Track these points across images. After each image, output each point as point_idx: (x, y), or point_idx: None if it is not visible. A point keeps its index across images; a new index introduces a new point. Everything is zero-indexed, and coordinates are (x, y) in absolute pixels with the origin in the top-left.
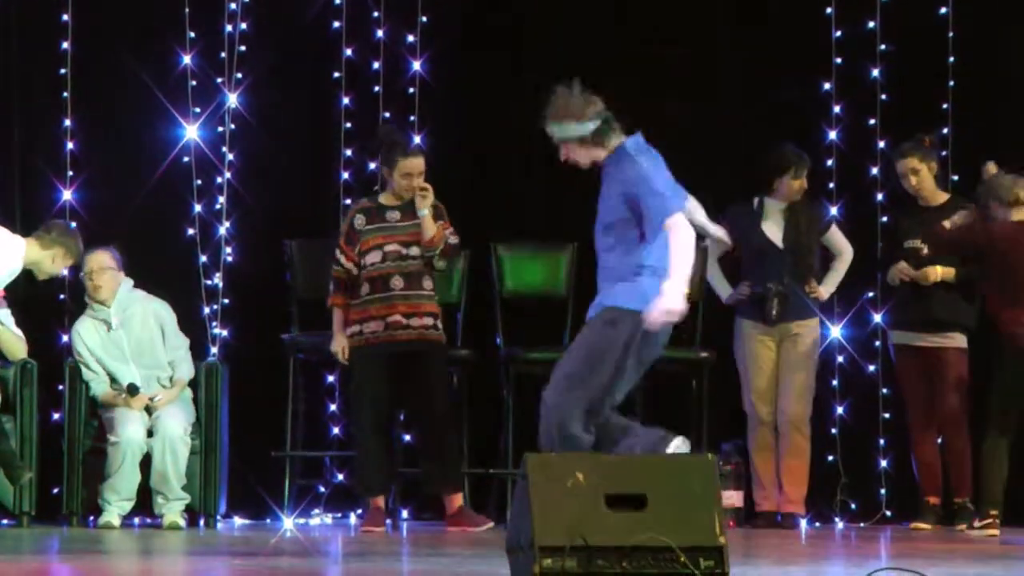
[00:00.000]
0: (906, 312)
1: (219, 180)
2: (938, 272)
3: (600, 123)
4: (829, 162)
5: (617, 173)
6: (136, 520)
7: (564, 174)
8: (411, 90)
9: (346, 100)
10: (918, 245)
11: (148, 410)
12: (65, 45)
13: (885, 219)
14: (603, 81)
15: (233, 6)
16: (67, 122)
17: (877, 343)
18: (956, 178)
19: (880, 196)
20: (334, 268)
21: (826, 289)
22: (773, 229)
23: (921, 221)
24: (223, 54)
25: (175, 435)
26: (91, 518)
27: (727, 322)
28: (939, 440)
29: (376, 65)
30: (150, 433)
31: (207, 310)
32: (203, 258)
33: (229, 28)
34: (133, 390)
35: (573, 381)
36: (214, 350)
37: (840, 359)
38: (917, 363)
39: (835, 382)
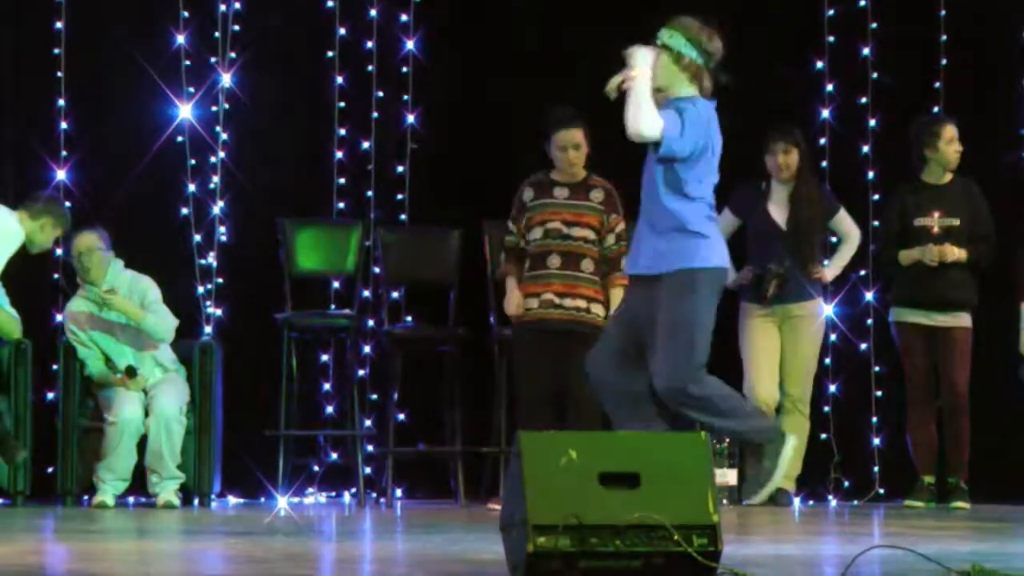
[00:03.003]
0: (914, 290)
1: (213, 160)
2: (956, 251)
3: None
4: (822, 140)
5: None
6: (131, 499)
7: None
8: (404, 69)
9: (340, 79)
10: (929, 223)
11: (143, 389)
12: (58, 25)
13: (877, 197)
14: (597, 60)
15: None
16: (60, 102)
17: (869, 321)
18: None
19: (871, 174)
20: (506, 238)
21: (831, 271)
22: (778, 211)
23: (928, 199)
24: (217, 33)
25: (170, 414)
26: (85, 497)
27: (725, 302)
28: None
29: (369, 44)
30: (146, 413)
31: (201, 289)
32: (197, 238)
33: (223, 7)
34: (132, 372)
35: None
36: (208, 329)
37: (833, 337)
38: (923, 341)
39: (828, 360)
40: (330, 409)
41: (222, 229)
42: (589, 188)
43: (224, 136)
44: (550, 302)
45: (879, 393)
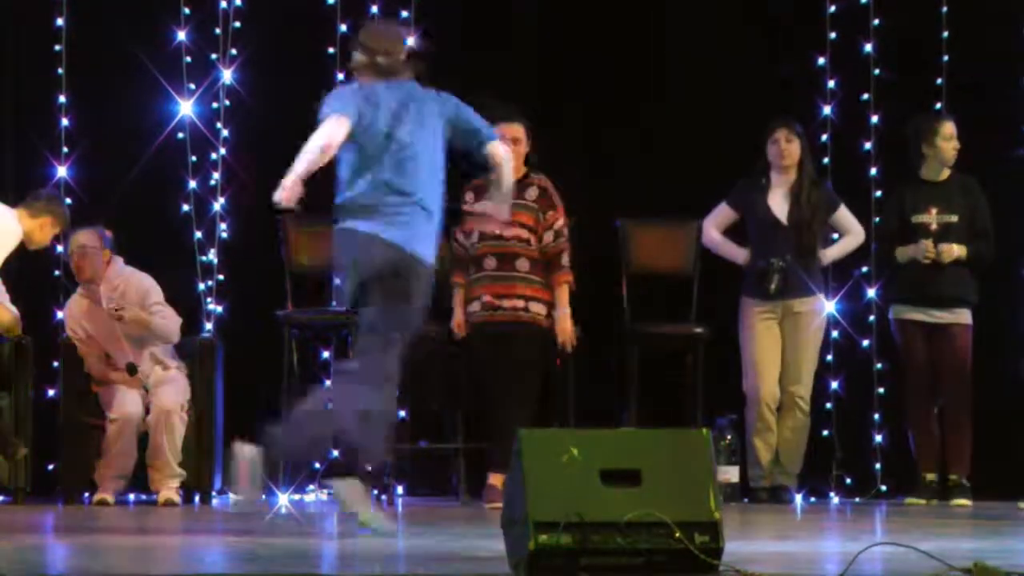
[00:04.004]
0: (913, 287)
1: (214, 156)
2: (954, 250)
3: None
4: (823, 137)
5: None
6: (131, 496)
7: (559, 150)
8: None
9: (340, 76)
10: (927, 220)
11: (144, 387)
12: (59, 22)
13: (879, 194)
14: (602, 56)
15: None
16: (61, 98)
17: (871, 318)
18: None
19: (874, 171)
20: (454, 245)
21: (829, 254)
22: (779, 205)
23: (926, 196)
24: (218, 30)
25: (172, 411)
26: (86, 495)
27: (722, 298)
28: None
29: None
30: (147, 410)
31: (202, 286)
32: (198, 234)
33: (224, 4)
34: (132, 370)
35: None
36: (209, 326)
37: (835, 334)
38: (923, 338)
39: (830, 357)
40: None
41: (223, 226)
42: (525, 187)
43: (225, 133)
44: (490, 304)
45: (881, 390)
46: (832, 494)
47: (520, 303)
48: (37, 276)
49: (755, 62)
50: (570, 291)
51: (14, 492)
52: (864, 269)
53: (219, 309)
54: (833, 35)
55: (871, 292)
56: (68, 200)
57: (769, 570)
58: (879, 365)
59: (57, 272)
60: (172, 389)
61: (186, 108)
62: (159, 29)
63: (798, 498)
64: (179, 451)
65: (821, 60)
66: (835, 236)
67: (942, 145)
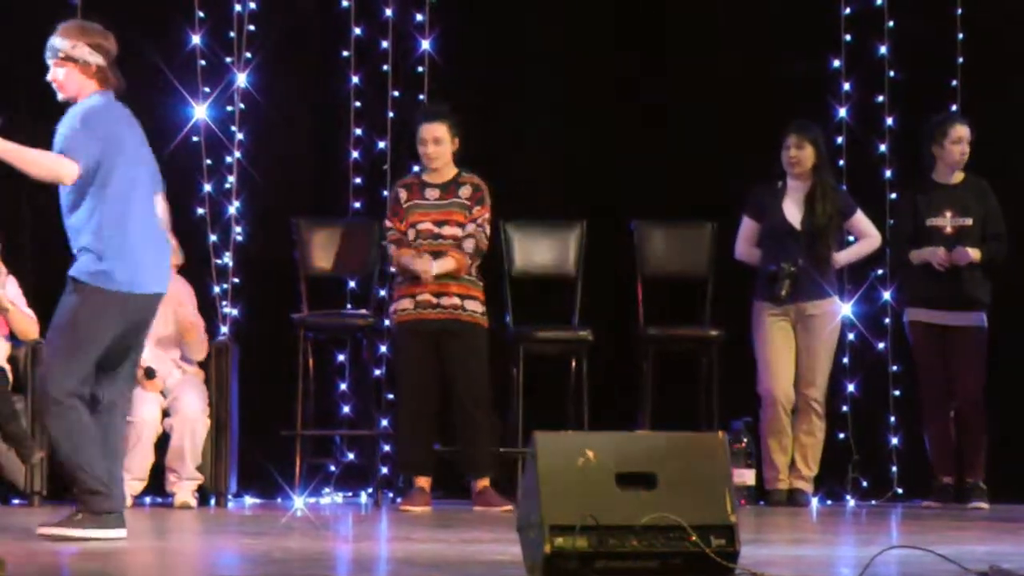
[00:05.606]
0: (927, 289)
1: (228, 159)
2: (970, 255)
3: (101, 60)
4: (839, 139)
5: None
6: (147, 499)
7: (574, 152)
8: (420, 69)
9: (355, 79)
10: (941, 223)
11: (162, 391)
12: None
13: (894, 196)
14: (608, 58)
15: None
16: None
17: (886, 320)
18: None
19: (888, 173)
20: (388, 234)
21: (843, 257)
22: (793, 210)
23: (940, 199)
24: (232, 33)
25: (195, 415)
26: None
27: (736, 301)
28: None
29: (385, 44)
30: (165, 413)
31: (217, 289)
32: (213, 237)
33: (238, 7)
34: (150, 373)
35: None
36: (224, 329)
37: (850, 336)
38: (936, 340)
39: (845, 360)
40: (346, 409)
41: (238, 229)
42: (459, 185)
43: (240, 136)
44: (427, 302)
45: (897, 392)
46: (848, 497)
47: (456, 301)
48: (53, 281)
49: (771, 64)
50: (455, 271)
51: (30, 495)
52: (879, 271)
53: (234, 312)
54: (848, 37)
55: (886, 294)
56: None
57: (785, 573)
58: (895, 367)
59: None
60: (195, 395)
61: (201, 112)
62: (174, 33)
63: (814, 501)
64: (199, 454)
65: (836, 62)
66: (850, 238)
67: (949, 148)
